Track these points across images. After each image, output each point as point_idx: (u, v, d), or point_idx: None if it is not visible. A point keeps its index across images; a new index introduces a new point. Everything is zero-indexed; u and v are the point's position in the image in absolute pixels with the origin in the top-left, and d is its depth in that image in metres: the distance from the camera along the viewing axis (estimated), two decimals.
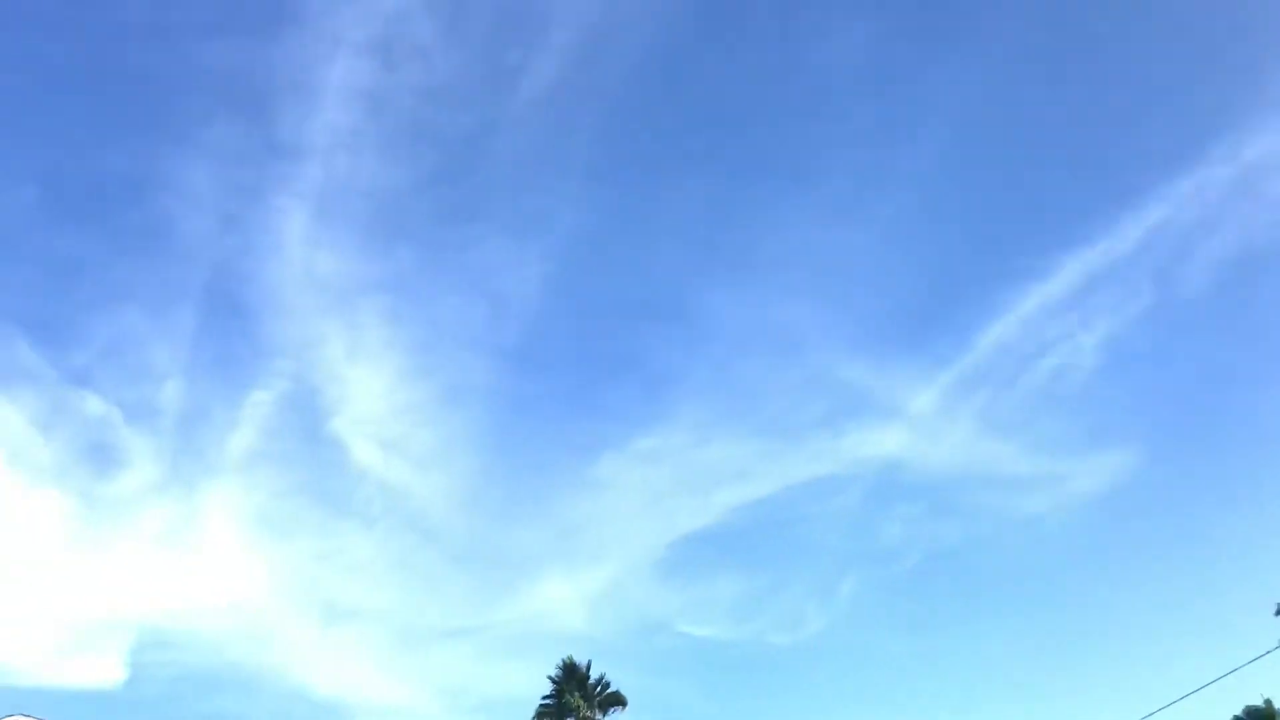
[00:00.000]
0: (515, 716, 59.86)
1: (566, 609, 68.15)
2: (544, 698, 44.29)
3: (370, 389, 71.25)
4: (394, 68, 74.62)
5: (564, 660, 44.75)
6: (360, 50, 72.53)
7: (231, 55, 72.88)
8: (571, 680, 44.28)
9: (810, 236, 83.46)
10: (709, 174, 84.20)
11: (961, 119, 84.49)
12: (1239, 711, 38.95)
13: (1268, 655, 22.95)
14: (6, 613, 57.31)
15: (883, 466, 74.92)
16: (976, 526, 75.76)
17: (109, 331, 70.57)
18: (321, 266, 72.90)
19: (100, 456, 64.98)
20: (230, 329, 75.65)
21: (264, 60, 73.48)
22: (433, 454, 73.39)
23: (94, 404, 65.46)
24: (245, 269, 74.14)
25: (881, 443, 73.12)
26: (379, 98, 74.07)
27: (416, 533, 71.45)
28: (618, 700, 44.56)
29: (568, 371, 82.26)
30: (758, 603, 71.85)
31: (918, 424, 74.55)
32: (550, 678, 44.54)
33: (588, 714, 43.88)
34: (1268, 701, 38.41)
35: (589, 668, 44.71)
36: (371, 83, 73.26)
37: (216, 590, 61.68)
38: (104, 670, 56.34)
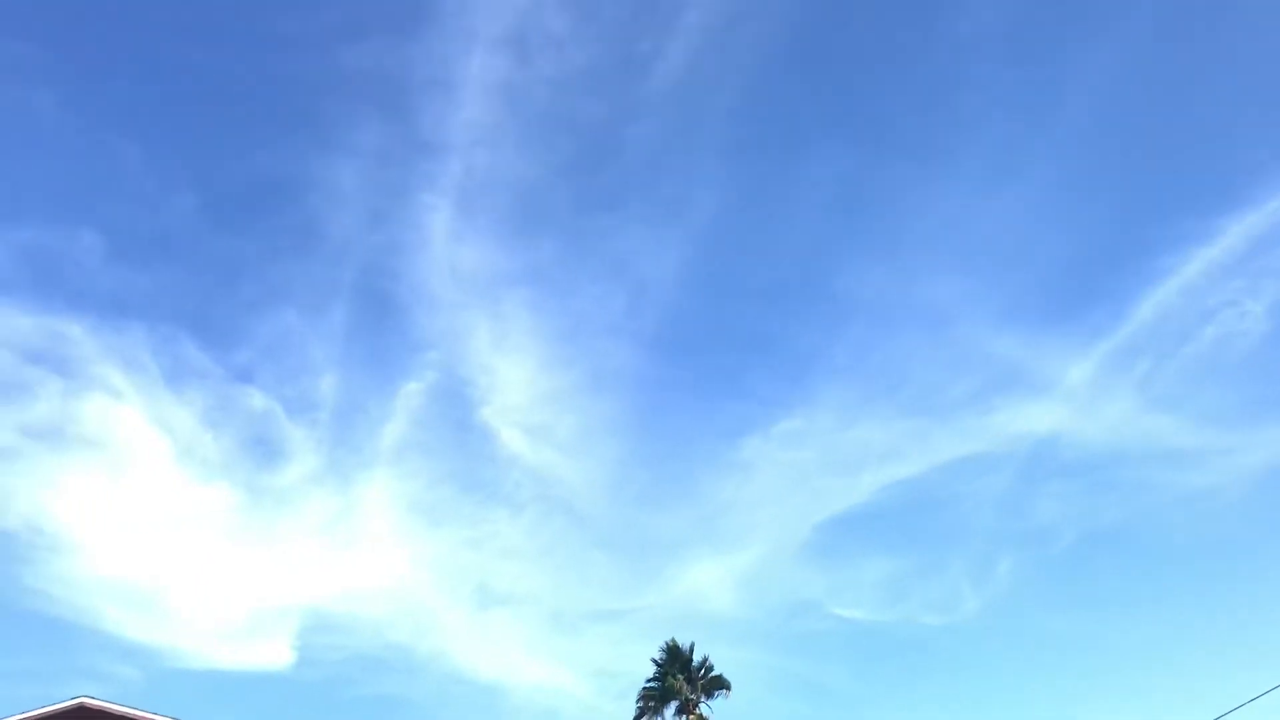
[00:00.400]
0: None
1: (714, 591, 67.99)
2: (648, 680, 43.18)
3: (516, 378, 72.27)
4: (528, 60, 75.34)
5: (667, 643, 43.47)
6: (495, 44, 73.89)
7: (373, 57, 75.94)
8: (675, 663, 42.96)
9: (954, 210, 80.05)
10: (847, 150, 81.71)
11: (1109, 86, 79.56)
12: None
13: None
14: (183, 600, 60.77)
15: (1037, 443, 71.53)
16: (1137, 503, 72.21)
17: (268, 330, 73.58)
18: (465, 260, 74.75)
19: (264, 450, 68.02)
20: (381, 324, 78.25)
21: (404, 60, 76.76)
22: (578, 440, 73.84)
23: (257, 400, 68.53)
24: (393, 265, 76.33)
25: (1035, 419, 69.31)
26: (515, 90, 75.76)
27: (564, 518, 72.27)
28: (721, 684, 42.89)
29: (708, 355, 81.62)
30: (909, 584, 70.26)
31: (1073, 398, 70.89)
32: (654, 660, 43.45)
33: (690, 696, 42.48)
34: None
35: (692, 650, 43.26)
36: (507, 76, 75.23)
37: (375, 576, 63.90)
38: (274, 653, 58.90)
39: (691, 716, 41.88)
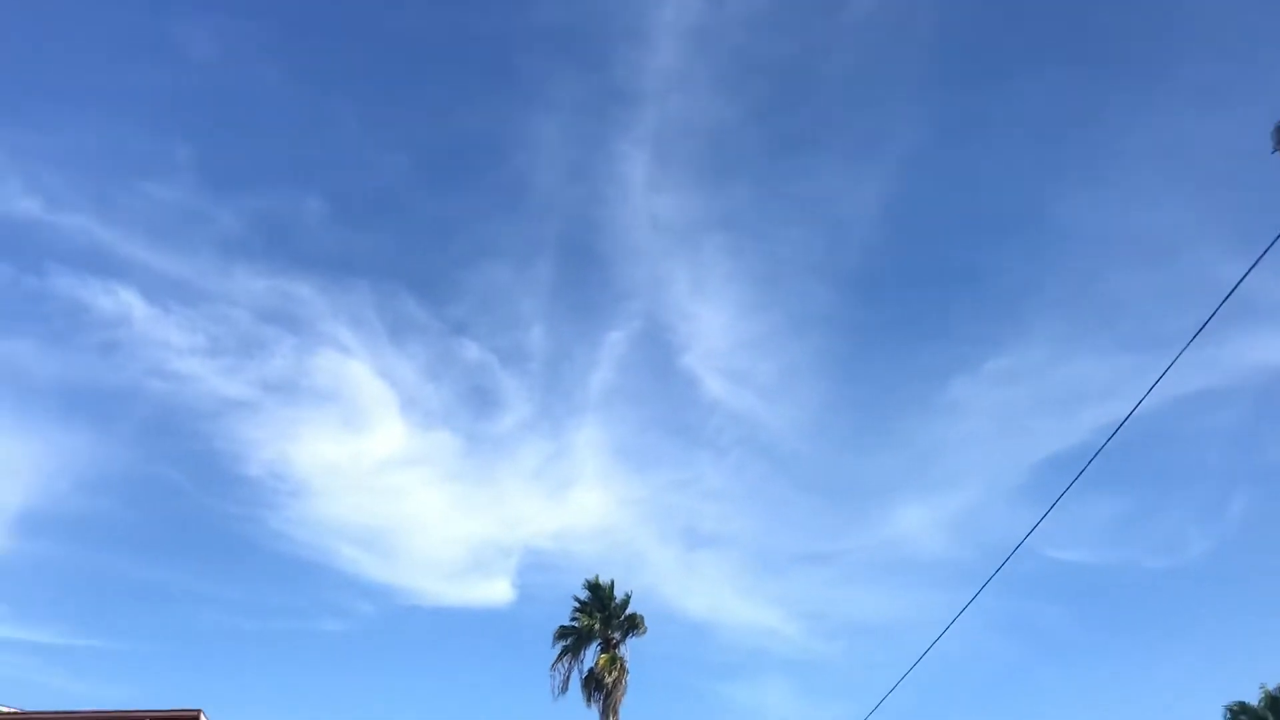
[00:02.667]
0: (875, 641, 61.84)
1: (925, 534, 67.68)
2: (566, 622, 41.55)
3: (715, 323, 72.51)
4: (720, 2, 73.96)
5: (588, 580, 41.41)
6: None
7: (567, 10, 76.36)
8: (595, 602, 41.13)
9: (1174, 129, 73.73)
10: (1056, 69, 76.72)
11: None
12: None
13: None
14: (411, 541, 65.10)
15: (1273, 376, 65.93)
16: None
17: (481, 284, 76.22)
18: (663, 208, 74.74)
19: (480, 399, 71.46)
20: (585, 275, 79.77)
21: (597, 11, 77.66)
22: (779, 384, 73.49)
23: (472, 351, 71.83)
24: (594, 217, 76.74)
25: (1271, 350, 64.28)
26: (707, 34, 74.57)
27: (767, 461, 72.65)
28: (636, 624, 40.96)
29: (913, 294, 79.08)
30: (1131, 526, 67.60)
31: None
32: (575, 598, 41.60)
33: (612, 636, 40.69)
34: None
35: (613, 588, 41.33)
36: (699, 20, 73.74)
37: (587, 517, 66.52)
38: (496, 591, 62.37)
39: (604, 656, 40.02)
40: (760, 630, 64.18)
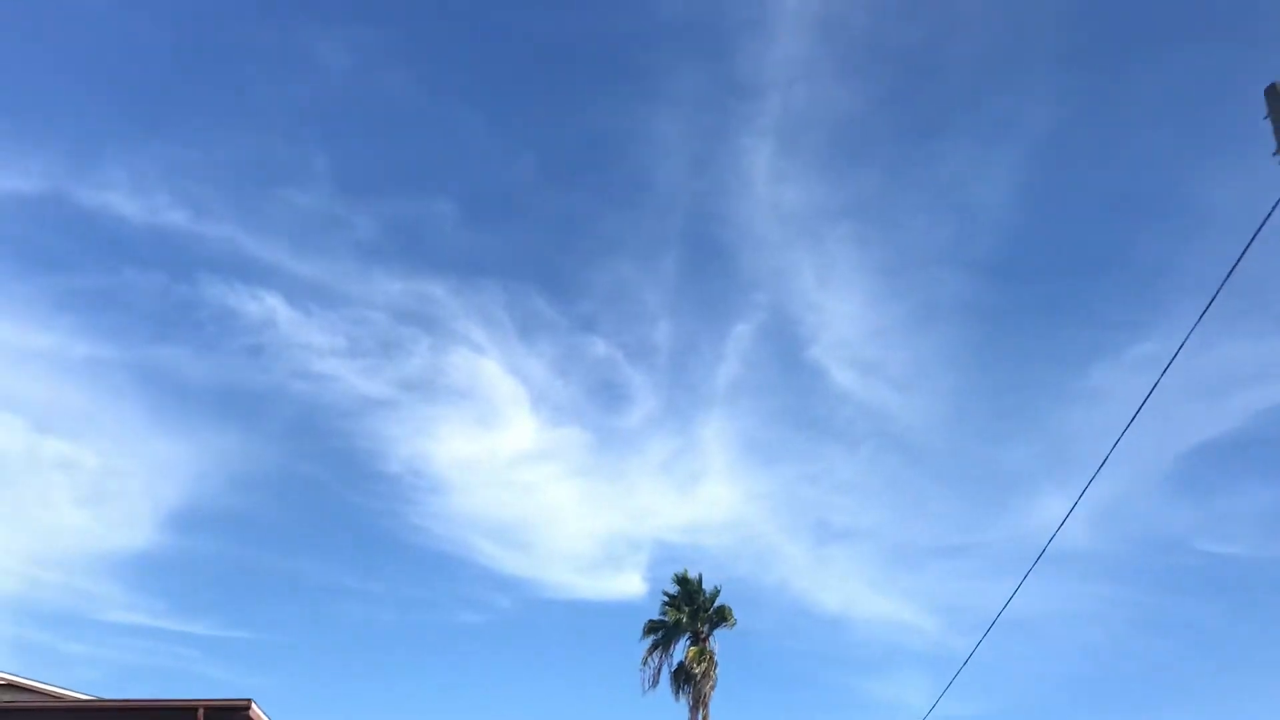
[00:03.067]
0: (1016, 636, 58.62)
1: (1066, 525, 65.66)
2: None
3: (843, 314, 70.62)
4: None
5: (676, 574, 41.51)
6: None
7: (688, 4, 75.05)
8: (683, 596, 41.14)
9: None
10: (1196, 45, 73.93)
11: None
12: None
13: None
14: (544, 535, 66.45)
15: None
16: None
17: (606, 280, 75.40)
18: (788, 198, 73.03)
19: (609, 394, 71.15)
20: (709, 269, 78.38)
21: (720, 3, 78.61)
22: (911, 374, 71.25)
23: (600, 347, 71.20)
24: (718, 210, 75.72)
25: None
26: (831, 22, 74.37)
27: (900, 453, 70.92)
28: (725, 616, 40.85)
29: (1049, 279, 75.08)
30: None
31: None
32: (664, 592, 41.64)
33: (700, 629, 40.63)
34: None
35: (700, 582, 41.29)
36: (823, 8, 73.49)
37: (716, 511, 66.57)
38: (629, 584, 62.78)
39: (693, 649, 39.99)
40: (896, 625, 63.23)
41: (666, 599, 41.52)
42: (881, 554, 67.99)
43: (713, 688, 40.02)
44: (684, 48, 76.87)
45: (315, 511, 66.89)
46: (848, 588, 64.41)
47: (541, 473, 67.00)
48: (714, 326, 75.19)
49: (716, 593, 41.47)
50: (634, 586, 63.52)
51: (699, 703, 39.66)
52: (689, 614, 40.89)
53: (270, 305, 64.02)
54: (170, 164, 67.23)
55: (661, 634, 41.31)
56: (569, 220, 78.86)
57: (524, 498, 66.14)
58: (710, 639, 40.85)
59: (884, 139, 76.93)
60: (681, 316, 73.78)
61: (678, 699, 40.21)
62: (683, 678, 40.06)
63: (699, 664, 39.65)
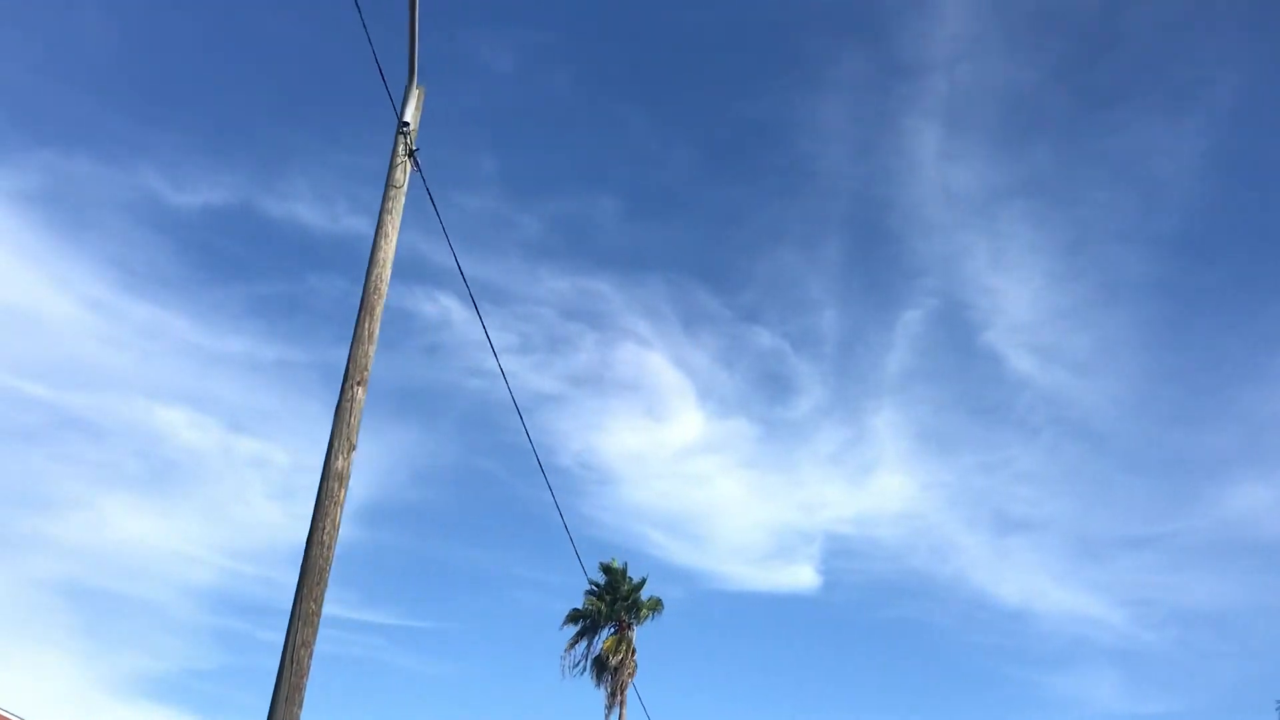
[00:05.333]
0: (1211, 630, 60.13)
1: (1266, 514, 64.40)
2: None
3: (1019, 297, 70.97)
4: None
5: (602, 564, 41.83)
6: None
7: None
8: (607, 586, 41.34)
9: None
10: None
11: None
12: None
13: None
14: (715, 527, 67.83)
15: None
16: None
17: (770, 270, 77.28)
18: (957, 179, 73.67)
19: (775, 385, 72.75)
20: (876, 255, 79.38)
21: None
22: (1093, 357, 71.26)
23: (764, 338, 73.41)
24: (882, 194, 76.94)
25: None
26: None
27: (1083, 440, 70.85)
28: (654, 606, 40.92)
29: (1241, 253, 73.93)
30: None
31: None
32: (590, 581, 42.00)
33: (623, 618, 40.80)
34: None
35: (625, 570, 41.45)
36: None
37: (889, 502, 67.00)
38: (801, 576, 63.63)
39: (608, 641, 40.16)
40: (1081, 618, 62.12)
41: (591, 589, 41.79)
42: (1065, 545, 66.59)
43: (632, 675, 40.17)
44: (844, 31, 76.86)
45: (491, 505, 69.85)
46: (1029, 580, 63.84)
47: (710, 465, 67.92)
48: (882, 314, 75.09)
49: (642, 583, 41.62)
50: (806, 578, 63.21)
51: (617, 690, 39.86)
52: (609, 604, 41.09)
53: (445, 306, 67.23)
54: (347, 172, 70.85)
55: (585, 623, 41.62)
56: (731, 211, 79.44)
57: (693, 490, 67.01)
58: (632, 629, 41.03)
59: (1059, 113, 74.77)
60: (848, 305, 74.21)
61: (598, 687, 40.54)
62: (600, 667, 40.33)
63: (615, 654, 39.83)
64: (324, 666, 57.09)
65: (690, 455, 66.88)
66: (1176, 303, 71.50)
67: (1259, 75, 69.86)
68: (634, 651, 40.23)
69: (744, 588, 63.68)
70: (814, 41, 77.12)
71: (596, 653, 40.33)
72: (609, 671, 39.90)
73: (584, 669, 40.77)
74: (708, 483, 66.25)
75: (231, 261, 71.52)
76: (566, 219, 76.44)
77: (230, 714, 55.42)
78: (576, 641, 41.49)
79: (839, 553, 64.84)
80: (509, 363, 68.00)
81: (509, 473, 70.34)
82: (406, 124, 8.65)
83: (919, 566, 64.05)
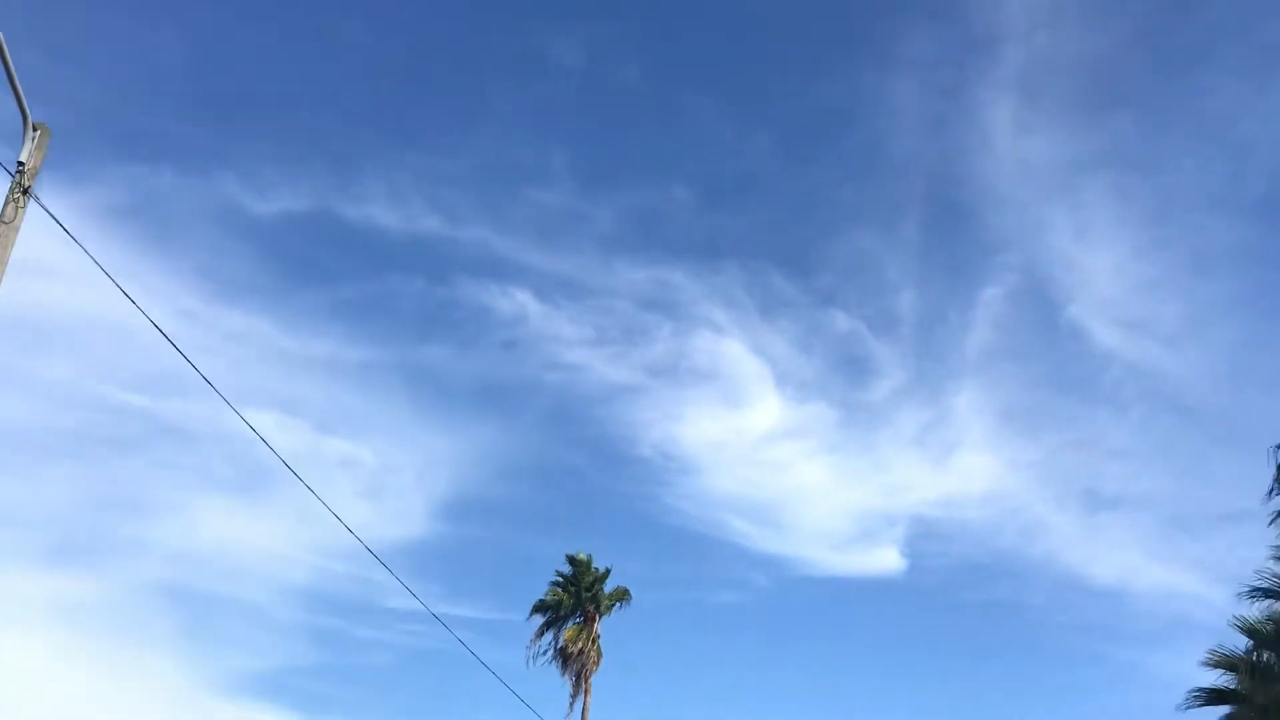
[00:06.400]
0: None
1: None
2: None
3: (1104, 269, 69.04)
4: None
5: (569, 555, 42.47)
6: None
7: None
8: (572, 577, 41.85)
9: None
10: None
11: None
12: None
13: None
14: (797, 512, 67.58)
15: None
16: None
17: (845, 253, 76.64)
18: (1035, 152, 71.99)
19: (853, 368, 72.28)
20: (953, 232, 78.09)
21: None
22: (1183, 329, 68.77)
23: (842, 321, 72.48)
24: (958, 171, 75.48)
25: None
26: None
27: (1176, 413, 68.22)
28: (620, 596, 41.42)
29: None
30: None
31: None
32: (557, 571, 42.58)
33: (589, 609, 41.32)
34: None
35: (591, 562, 41.92)
36: None
37: (975, 483, 66.36)
38: (885, 560, 62.86)
39: (569, 631, 40.68)
40: (1180, 596, 60.66)
41: (557, 579, 42.37)
42: (1159, 521, 64.96)
43: (596, 664, 40.73)
44: (913, 6, 75.53)
45: (574, 497, 69.42)
46: (1123, 558, 61.89)
47: (790, 450, 67.49)
48: (961, 293, 73.85)
49: (607, 573, 42.10)
50: (892, 561, 62.42)
51: (581, 679, 40.44)
52: (574, 594, 41.63)
53: (521, 301, 68.24)
54: (422, 173, 72.74)
55: (552, 613, 42.20)
56: (805, 195, 78.77)
57: (774, 476, 66.63)
58: (598, 619, 41.53)
59: (1139, 79, 72.60)
60: (926, 285, 72.72)
61: (563, 676, 41.13)
62: (564, 657, 40.90)
63: (576, 643, 40.39)
64: (413, 660, 59.35)
65: (770, 442, 66.81)
66: (1267, 270, 68.70)
67: None
68: (596, 640, 40.79)
69: (830, 573, 63.20)
70: (884, 19, 76.29)
71: (560, 643, 40.94)
72: (572, 661, 40.52)
73: (550, 659, 41.51)
74: (789, 469, 66.30)
75: (312, 266, 72.98)
76: (640, 210, 76.10)
77: (330, 710, 56.66)
78: (544, 632, 42.20)
79: (924, 536, 63.58)
80: (586, 355, 67.78)
81: (592, 466, 70.49)
82: (23, 164, 9.10)
83: (1007, 547, 63.31)
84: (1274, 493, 23.68)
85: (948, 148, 73.10)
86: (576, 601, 41.55)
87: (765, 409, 66.28)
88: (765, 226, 78.25)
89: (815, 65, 79.26)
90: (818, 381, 69.00)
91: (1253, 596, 17.66)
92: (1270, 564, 17.40)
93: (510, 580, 66.25)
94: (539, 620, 42.13)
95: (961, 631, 63.72)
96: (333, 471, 61.26)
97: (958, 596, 64.43)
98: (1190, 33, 70.86)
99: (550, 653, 41.44)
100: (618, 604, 41.70)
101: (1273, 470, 23.90)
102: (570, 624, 41.53)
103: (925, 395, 69.04)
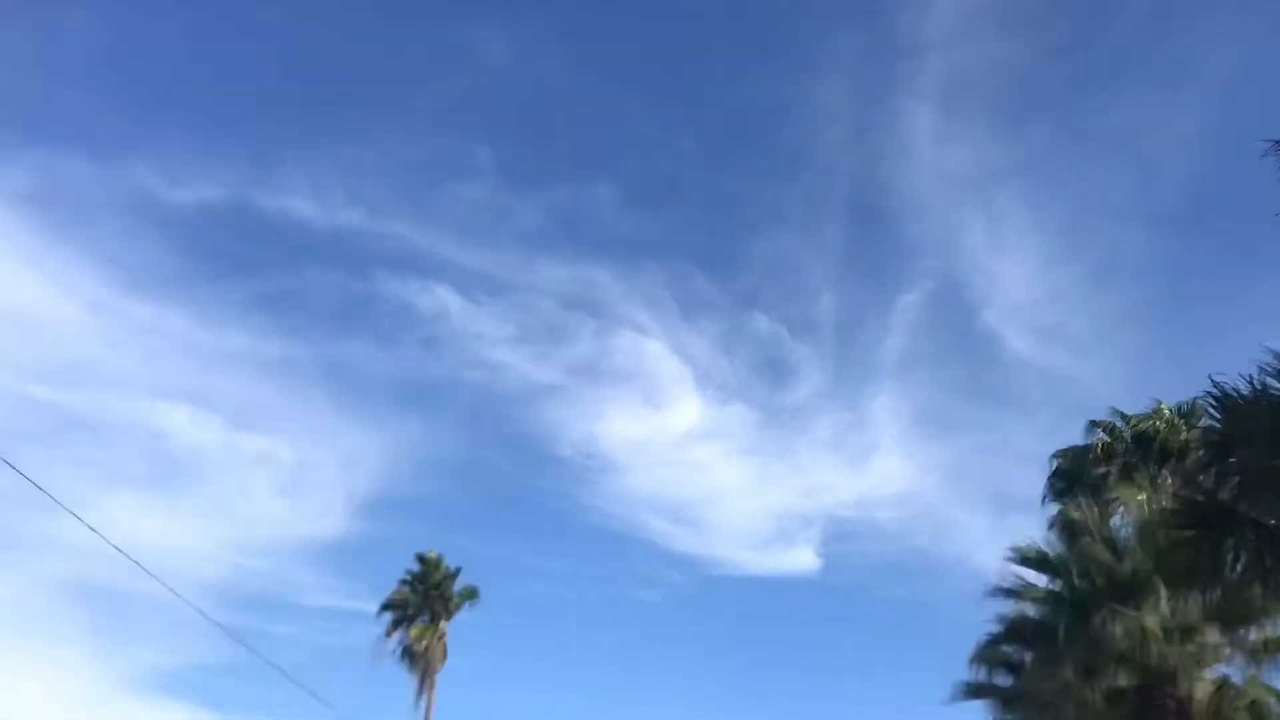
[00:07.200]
0: None
1: None
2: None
3: (1016, 277, 69.96)
4: None
5: (418, 554, 42.95)
6: None
7: None
8: (421, 575, 42.34)
9: None
10: None
11: None
12: None
13: None
14: (715, 513, 68.95)
15: None
16: None
17: (767, 255, 76.54)
18: (952, 160, 72.83)
19: (773, 370, 73.00)
20: (873, 237, 78.97)
21: None
22: (1092, 337, 70.16)
23: (762, 323, 72.67)
24: (879, 177, 76.40)
25: None
26: None
27: (1083, 419, 69.47)
28: (470, 595, 42.07)
29: (1239, 230, 70.22)
30: None
31: None
32: (407, 570, 42.96)
33: (437, 609, 41.82)
34: None
35: (440, 561, 42.47)
36: None
37: (890, 485, 67.82)
38: (802, 560, 63.75)
39: (415, 630, 41.17)
40: None
41: (405, 578, 42.74)
42: None
43: (442, 663, 41.26)
44: (841, 12, 77.11)
45: (494, 495, 69.72)
46: None
47: (709, 451, 68.19)
48: (880, 297, 75.80)
49: (457, 572, 42.64)
50: (808, 561, 63.50)
51: (426, 677, 40.92)
52: (422, 593, 42.07)
53: (442, 297, 67.32)
54: (343, 165, 71.47)
55: (399, 612, 42.57)
56: (728, 197, 78.99)
57: (693, 476, 67.75)
58: (445, 619, 42.05)
59: (1054, 92, 74.45)
60: (846, 288, 74.17)
61: (411, 674, 41.55)
62: (411, 655, 41.34)
63: (421, 641, 40.87)
64: (329, 657, 58.89)
65: (690, 442, 67.72)
66: (1173, 280, 71.59)
67: (1254, 48, 68.82)
68: (442, 638, 41.32)
69: (746, 573, 64.77)
70: (810, 22, 77.23)
71: (407, 641, 41.35)
72: (418, 659, 40.97)
73: (398, 657, 41.88)
74: (708, 469, 67.35)
75: (229, 258, 72.86)
76: (564, 208, 76.57)
77: (242, 708, 56.41)
78: (393, 630, 42.51)
79: (840, 536, 65.94)
80: (508, 354, 68.40)
81: (512, 464, 71.62)
82: None
83: (920, 547, 65.14)
84: (1047, 499, 25.60)
85: (870, 152, 74.96)
86: (424, 600, 41.99)
87: (685, 409, 67.34)
88: (688, 226, 79.41)
89: (742, 66, 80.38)
90: (738, 383, 70.01)
91: (994, 596, 19.18)
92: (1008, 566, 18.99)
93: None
94: (389, 618, 42.57)
95: (876, 630, 65.79)
96: (249, 468, 60.67)
97: (873, 595, 66.78)
98: (1103, 48, 73.90)
99: (399, 651, 41.98)
100: (467, 603, 42.26)
101: (1045, 478, 25.83)
102: (417, 623, 42.05)
103: (843, 398, 70.79)
